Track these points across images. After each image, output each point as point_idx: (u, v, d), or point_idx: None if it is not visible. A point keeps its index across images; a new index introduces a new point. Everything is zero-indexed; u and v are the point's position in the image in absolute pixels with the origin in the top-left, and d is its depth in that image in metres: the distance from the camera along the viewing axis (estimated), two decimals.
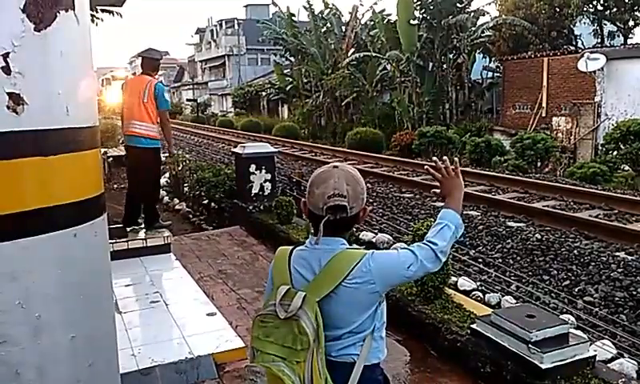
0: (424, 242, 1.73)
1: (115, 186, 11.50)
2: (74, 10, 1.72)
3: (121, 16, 12.88)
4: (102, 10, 11.97)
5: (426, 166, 1.95)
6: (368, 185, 9.53)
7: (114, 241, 5.43)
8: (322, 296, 1.58)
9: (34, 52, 1.60)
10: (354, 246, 1.76)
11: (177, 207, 9.37)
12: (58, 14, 1.66)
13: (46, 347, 1.70)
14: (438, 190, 1.88)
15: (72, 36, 1.74)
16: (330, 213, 1.61)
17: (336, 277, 1.60)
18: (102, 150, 11.14)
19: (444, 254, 1.71)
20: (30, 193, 1.63)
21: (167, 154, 7.86)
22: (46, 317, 1.69)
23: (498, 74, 20.97)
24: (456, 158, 1.90)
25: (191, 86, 54.67)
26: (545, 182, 9.48)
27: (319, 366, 1.55)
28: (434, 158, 1.91)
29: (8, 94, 1.55)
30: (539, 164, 12.39)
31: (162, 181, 10.80)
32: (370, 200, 8.51)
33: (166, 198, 9.99)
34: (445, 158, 1.88)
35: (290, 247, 1.76)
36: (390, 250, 1.80)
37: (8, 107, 1.55)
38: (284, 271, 1.68)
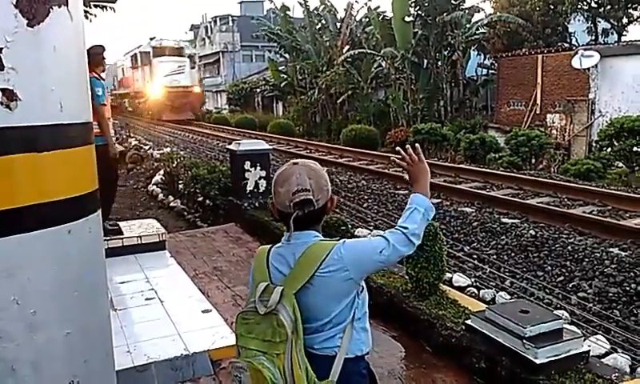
0: (395, 227, 1.77)
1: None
2: (67, 5, 1.71)
3: (114, 10, 12.83)
4: (95, 6, 11.91)
5: (392, 157, 1.98)
6: (363, 182, 9.57)
7: (109, 238, 5.42)
8: (298, 288, 1.62)
9: (27, 48, 1.60)
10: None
11: (171, 204, 9.34)
12: (51, 9, 1.65)
13: (41, 343, 1.70)
14: (406, 177, 1.92)
15: (65, 32, 1.74)
16: (297, 208, 1.65)
17: (310, 267, 1.64)
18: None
19: (416, 236, 1.74)
20: (24, 189, 1.63)
21: (161, 152, 7.82)
22: (41, 313, 1.69)
23: (493, 71, 21.00)
24: (417, 145, 1.92)
25: None
26: (539, 179, 9.52)
27: (298, 357, 1.59)
28: (398, 148, 1.95)
29: (1, 90, 1.55)
30: (533, 161, 12.42)
31: (157, 178, 10.79)
32: (365, 197, 8.52)
33: (161, 196, 9.97)
34: (407, 146, 1.91)
35: (269, 245, 1.80)
36: (363, 238, 1.85)
37: (1, 103, 1.55)
38: (263, 269, 1.72)
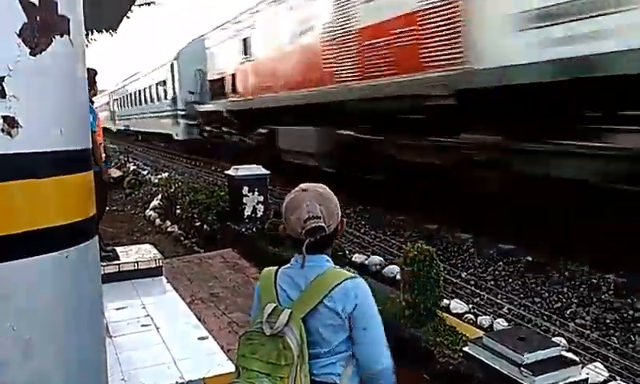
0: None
1: (107, 207, 11.44)
2: (69, 34, 1.75)
3: (111, 34, 12.98)
4: (99, 31, 12.06)
5: None
6: (360, 206, 9.57)
7: (105, 263, 5.40)
8: (306, 312, 1.61)
9: (28, 76, 1.63)
10: (344, 269, 1.78)
11: (169, 229, 9.32)
12: (53, 38, 1.69)
13: (36, 370, 1.69)
14: None
15: (67, 59, 1.77)
16: (309, 235, 1.65)
17: (319, 293, 1.63)
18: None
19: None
20: (23, 215, 1.64)
21: (160, 177, 7.84)
22: (36, 339, 1.69)
23: None
24: None
25: None
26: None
27: (302, 382, 1.57)
28: None
29: (3, 117, 1.57)
30: None
31: (155, 203, 10.79)
32: (363, 222, 8.52)
33: (158, 221, 9.95)
34: None
35: (276, 267, 1.79)
36: (377, 317, 1.72)
37: (2, 130, 1.57)
38: (270, 290, 1.71)
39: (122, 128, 35.69)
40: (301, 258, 1.68)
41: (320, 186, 1.75)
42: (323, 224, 1.66)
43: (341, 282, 1.64)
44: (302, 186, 1.75)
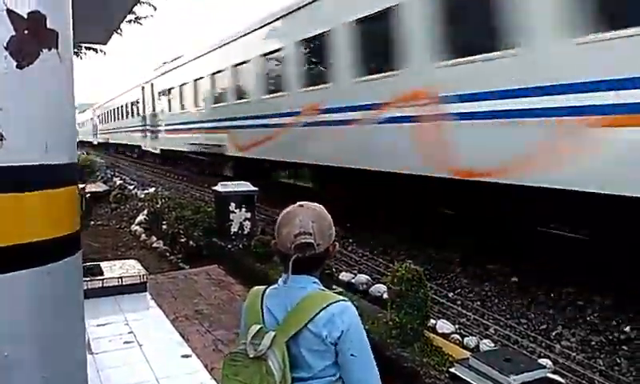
0: None
1: (92, 222, 11.31)
2: (57, 48, 1.74)
3: (104, 53, 13.01)
4: (87, 48, 12.05)
5: None
6: (348, 224, 9.56)
7: (89, 278, 5.33)
8: (289, 336, 1.58)
9: (15, 89, 1.61)
10: (331, 291, 1.75)
11: (154, 245, 9.22)
12: (40, 52, 1.67)
13: None
14: None
15: (54, 74, 1.75)
16: (297, 251, 1.61)
17: (305, 316, 1.59)
18: (81, 186, 10.90)
19: None
20: (5, 229, 1.61)
21: (146, 192, 7.79)
22: (15, 356, 1.65)
23: None
24: None
25: None
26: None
27: None
28: None
29: None
30: None
31: (140, 218, 10.69)
32: (351, 240, 8.51)
33: (144, 236, 9.84)
34: None
35: (264, 287, 1.76)
36: (367, 346, 1.66)
37: None
38: (256, 311, 1.68)
39: (102, 141, 40.68)
40: (285, 277, 1.66)
41: (317, 205, 1.73)
42: (313, 241, 1.62)
43: (326, 307, 1.59)
44: (300, 202, 1.73)
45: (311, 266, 1.68)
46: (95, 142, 43.99)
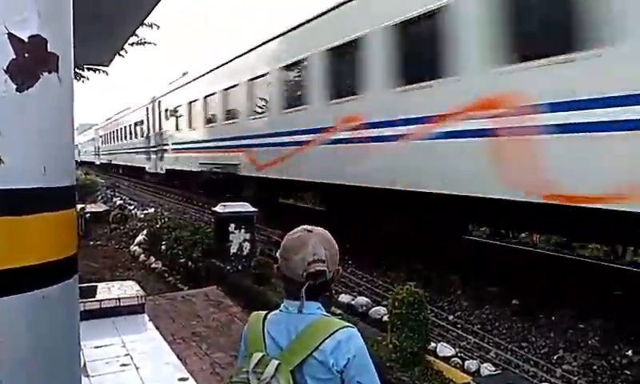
0: None
1: (91, 242, 11.29)
2: (57, 72, 1.74)
3: (107, 74, 13.08)
4: (88, 69, 12.11)
5: None
6: (347, 246, 9.54)
7: (86, 300, 5.29)
8: (295, 365, 1.53)
9: (14, 112, 1.61)
10: (336, 317, 1.71)
11: (153, 266, 9.19)
12: (40, 75, 1.68)
13: None
14: None
15: (53, 97, 1.76)
16: (310, 279, 1.57)
17: (310, 344, 1.54)
18: (80, 206, 10.86)
19: None
20: (1, 253, 1.60)
21: (146, 212, 7.77)
22: (8, 381, 1.62)
23: None
24: None
25: None
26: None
27: None
28: None
29: None
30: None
31: (140, 238, 10.67)
32: (350, 262, 8.47)
33: (142, 257, 9.81)
34: None
35: (264, 312, 1.71)
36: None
37: None
38: (258, 337, 1.63)
39: (105, 162, 40.20)
40: (294, 303, 1.61)
41: (323, 230, 1.69)
42: (326, 269, 1.59)
43: (332, 333, 1.54)
44: (305, 227, 1.69)
45: (319, 293, 1.64)
46: (97, 162, 43.85)
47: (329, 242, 1.65)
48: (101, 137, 42.36)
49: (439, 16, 6.43)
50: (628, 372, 4.58)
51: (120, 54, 10.49)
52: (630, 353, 4.85)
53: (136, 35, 11.39)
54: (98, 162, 43.71)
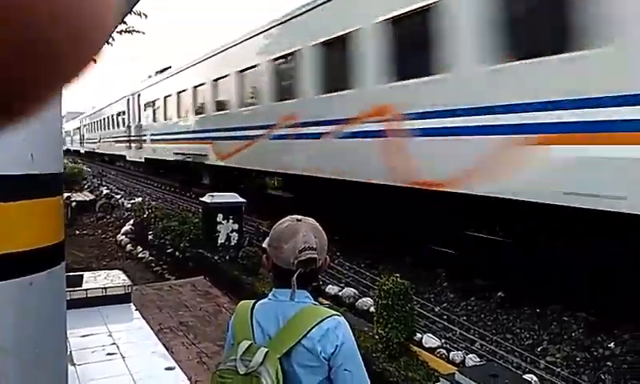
0: None
1: (77, 231, 11.21)
2: None
3: (95, 61, 12.91)
4: None
5: None
6: (336, 237, 9.56)
7: (72, 289, 5.26)
8: (284, 352, 1.55)
9: None
10: (320, 305, 1.73)
11: (140, 255, 9.15)
12: None
13: None
14: None
15: None
16: (301, 266, 1.59)
17: (298, 332, 1.56)
18: (66, 195, 10.80)
19: None
20: None
21: (133, 202, 7.73)
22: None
23: None
24: None
25: None
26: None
27: None
28: None
29: None
30: None
31: (126, 228, 10.61)
32: (338, 253, 8.49)
33: (129, 246, 9.76)
34: None
35: (252, 301, 1.72)
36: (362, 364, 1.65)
37: None
38: (246, 326, 1.64)
39: (89, 150, 41.39)
40: (284, 292, 1.62)
41: (312, 220, 1.71)
42: (317, 256, 1.61)
43: (320, 322, 1.56)
44: (295, 216, 1.70)
45: (309, 281, 1.66)
46: (82, 151, 44.41)
47: (319, 230, 1.67)
48: (85, 126, 43.13)
49: (348, 42, 8.04)
50: (610, 363, 4.66)
51: (108, 42, 10.36)
52: (612, 345, 4.93)
53: (124, 23, 11.24)
54: (82, 151, 44.40)
